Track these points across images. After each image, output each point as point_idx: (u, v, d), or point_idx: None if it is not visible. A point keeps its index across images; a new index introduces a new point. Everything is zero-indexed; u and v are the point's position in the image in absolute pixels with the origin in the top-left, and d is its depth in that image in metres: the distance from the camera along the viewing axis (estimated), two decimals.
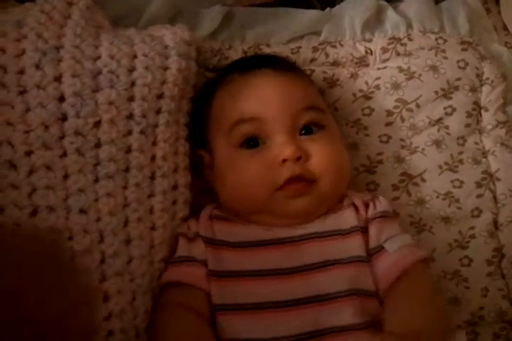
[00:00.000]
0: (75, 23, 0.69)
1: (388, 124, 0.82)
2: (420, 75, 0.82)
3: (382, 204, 0.71)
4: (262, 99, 0.70)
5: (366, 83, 0.83)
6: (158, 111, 0.71)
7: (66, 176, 0.63)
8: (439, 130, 0.81)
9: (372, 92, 0.83)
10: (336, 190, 0.70)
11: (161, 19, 0.82)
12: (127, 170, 0.67)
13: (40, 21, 0.67)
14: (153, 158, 0.69)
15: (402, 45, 0.86)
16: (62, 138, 0.63)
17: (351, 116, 0.82)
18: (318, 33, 0.87)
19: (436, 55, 0.84)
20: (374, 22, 0.88)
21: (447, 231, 0.78)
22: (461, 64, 0.84)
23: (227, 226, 0.70)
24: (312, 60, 0.85)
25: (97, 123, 0.65)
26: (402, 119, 0.82)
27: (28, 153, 0.61)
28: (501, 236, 0.79)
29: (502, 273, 0.78)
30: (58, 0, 0.69)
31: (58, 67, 0.65)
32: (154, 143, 0.70)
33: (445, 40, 0.86)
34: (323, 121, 0.72)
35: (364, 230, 0.69)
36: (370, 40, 0.87)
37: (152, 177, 0.69)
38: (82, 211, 0.62)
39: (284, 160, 0.67)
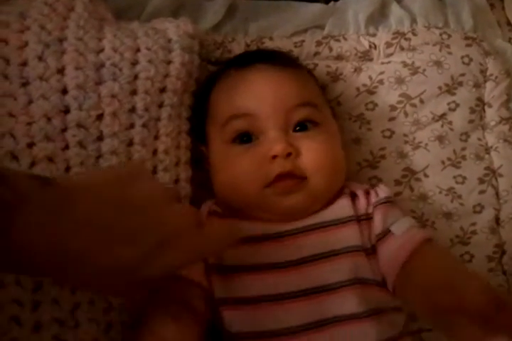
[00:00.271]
0: (78, 16, 0.69)
1: (391, 119, 0.81)
2: (424, 70, 0.82)
3: (384, 191, 0.71)
4: (255, 95, 0.70)
5: (370, 78, 0.83)
6: (160, 105, 0.70)
7: (68, 169, 0.62)
8: (442, 125, 0.81)
9: (376, 87, 0.82)
10: (330, 188, 0.69)
11: (163, 12, 0.82)
12: None
13: (44, 13, 0.67)
14: (155, 151, 0.69)
15: (406, 39, 0.86)
16: (64, 130, 0.63)
17: (354, 111, 0.82)
18: (321, 27, 0.87)
19: (440, 50, 0.83)
20: (378, 16, 0.88)
21: (449, 227, 0.78)
22: (466, 60, 0.83)
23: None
24: (316, 54, 0.85)
25: (100, 116, 0.65)
26: (406, 114, 0.81)
27: (30, 145, 0.61)
28: (503, 232, 0.79)
29: (503, 269, 0.78)
30: None
31: (61, 60, 0.65)
32: (156, 137, 0.70)
33: (449, 36, 0.86)
34: (318, 118, 0.71)
35: (362, 218, 0.68)
36: (374, 35, 0.87)
37: (154, 171, 0.69)
38: None
39: (274, 157, 0.66)
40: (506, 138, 0.82)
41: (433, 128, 0.81)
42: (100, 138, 0.65)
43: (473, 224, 0.79)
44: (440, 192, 0.79)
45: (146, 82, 0.69)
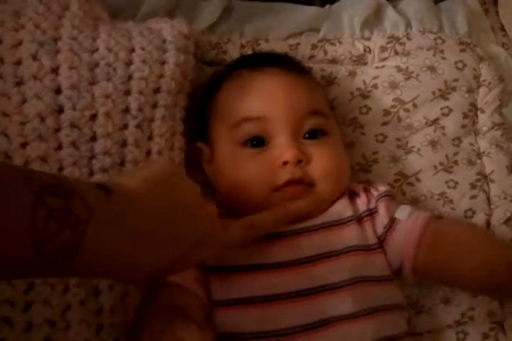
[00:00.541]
0: (73, 15, 0.69)
1: (385, 124, 0.82)
2: (418, 75, 0.82)
3: (383, 186, 0.73)
4: (269, 99, 0.70)
5: (364, 82, 0.83)
6: (154, 106, 0.70)
7: (61, 169, 0.62)
8: (435, 130, 0.81)
9: (370, 91, 0.82)
10: (335, 194, 0.71)
11: (159, 12, 0.81)
12: (122, 164, 0.66)
13: (38, 11, 0.66)
14: (148, 152, 0.69)
15: (400, 44, 0.86)
16: (58, 130, 0.63)
17: (348, 115, 0.82)
18: (317, 30, 0.87)
19: (434, 55, 0.84)
20: (373, 20, 0.88)
21: None
22: (459, 65, 0.84)
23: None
24: (311, 57, 0.85)
25: (93, 117, 0.65)
26: (399, 119, 0.81)
27: (24, 145, 0.61)
28: None
29: None
30: None
31: (55, 59, 0.65)
32: (150, 138, 0.69)
33: (444, 41, 0.86)
34: (327, 128, 0.72)
35: (363, 216, 0.70)
36: (369, 39, 0.87)
37: None
38: None
39: (285, 163, 0.67)
40: (498, 144, 0.82)
41: (426, 132, 0.81)
42: (93, 138, 0.65)
43: None
44: (432, 197, 0.79)
45: (140, 83, 0.69)
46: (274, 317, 0.62)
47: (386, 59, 0.85)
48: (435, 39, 0.86)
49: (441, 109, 0.82)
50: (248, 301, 0.64)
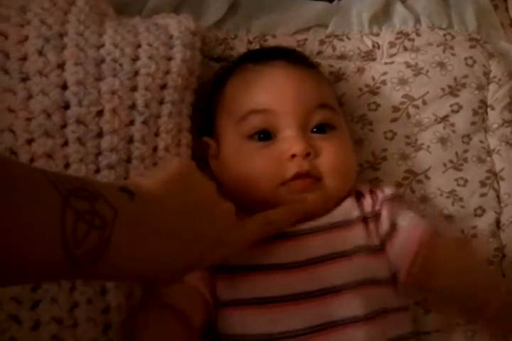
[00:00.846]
0: (79, 10, 0.68)
1: (394, 120, 0.81)
2: (428, 71, 0.82)
3: (389, 189, 0.71)
4: (276, 91, 0.69)
5: (373, 78, 0.82)
6: (161, 102, 0.69)
7: (67, 165, 0.62)
8: (444, 127, 0.81)
9: (379, 88, 0.82)
10: (342, 190, 0.70)
11: (165, 8, 0.81)
12: (129, 160, 0.66)
13: (44, 7, 0.66)
14: (155, 149, 0.68)
15: (409, 40, 0.85)
16: (64, 126, 0.62)
17: (357, 111, 0.81)
18: (325, 26, 0.86)
19: (444, 51, 0.83)
20: (382, 16, 0.87)
21: (450, 230, 0.77)
22: (469, 61, 0.83)
23: None
24: (319, 53, 0.84)
25: (100, 113, 0.64)
26: (408, 116, 0.81)
27: (30, 141, 0.60)
28: (503, 236, 0.78)
29: (503, 273, 0.77)
30: None
31: (61, 55, 0.64)
32: (156, 134, 0.69)
33: (453, 37, 0.85)
34: (335, 122, 0.71)
35: (369, 217, 0.69)
36: (377, 34, 0.86)
37: None
38: None
39: (293, 156, 0.66)
40: (508, 141, 0.81)
41: (435, 130, 0.81)
42: (100, 134, 0.64)
43: (474, 227, 0.78)
44: (441, 195, 0.78)
45: (146, 79, 0.68)
46: (281, 319, 0.62)
47: (395, 55, 0.85)
48: (445, 35, 0.85)
49: (451, 105, 0.81)
50: (254, 302, 0.63)
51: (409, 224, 0.67)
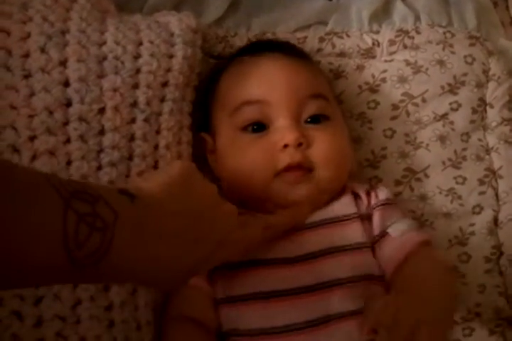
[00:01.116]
0: (81, 7, 0.68)
1: (393, 118, 0.81)
2: (427, 69, 0.82)
3: (384, 193, 0.71)
4: (269, 82, 0.69)
5: (372, 76, 0.82)
6: (162, 99, 0.70)
7: (69, 163, 0.62)
8: (443, 125, 0.81)
9: (378, 85, 0.82)
10: (335, 181, 0.70)
11: (165, 5, 0.81)
12: (130, 158, 0.66)
13: (46, 4, 0.66)
14: (156, 146, 0.69)
15: (409, 38, 0.85)
16: (66, 124, 0.63)
17: (356, 109, 0.82)
18: (324, 23, 0.87)
19: (443, 49, 0.83)
20: (382, 13, 0.87)
21: (448, 228, 0.78)
22: (469, 59, 0.83)
23: None
24: (318, 50, 0.84)
25: (101, 110, 0.65)
26: (408, 114, 0.81)
27: (32, 138, 0.60)
28: (501, 233, 0.79)
29: (500, 270, 0.78)
30: None
31: (64, 52, 0.64)
32: (158, 132, 0.69)
33: (453, 35, 0.86)
34: (329, 112, 0.71)
35: (364, 217, 0.68)
36: (377, 32, 0.86)
37: (155, 166, 0.68)
38: None
39: (286, 146, 0.66)
40: (507, 140, 0.82)
41: (435, 128, 0.81)
42: (102, 132, 0.64)
43: (472, 224, 0.79)
44: (440, 193, 0.79)
45: (148, 76, 0.68)
46: (278, 314, 0.62)
47: (395, 53, 0.85)
48: (444, 33, 0.86)
49: (450, 103, 0.82)
50: (252, 297, 0.63)
51: (399, 237, 0.66)
